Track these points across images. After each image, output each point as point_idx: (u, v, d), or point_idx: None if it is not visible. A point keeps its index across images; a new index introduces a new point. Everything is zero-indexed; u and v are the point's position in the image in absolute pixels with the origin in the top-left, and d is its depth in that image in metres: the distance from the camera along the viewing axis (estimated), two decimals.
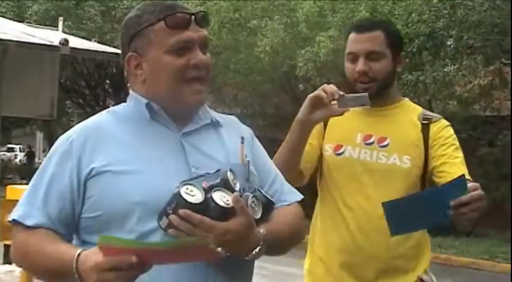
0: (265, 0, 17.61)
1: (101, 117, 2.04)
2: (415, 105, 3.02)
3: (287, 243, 2.05)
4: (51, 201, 1.91)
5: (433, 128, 2.89)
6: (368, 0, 15.67)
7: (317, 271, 2.96)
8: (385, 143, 2.87)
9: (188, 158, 1.96)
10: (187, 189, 1.79)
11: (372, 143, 2.88)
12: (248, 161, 2.03)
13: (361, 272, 2.86)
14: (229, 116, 2.22)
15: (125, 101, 2.10)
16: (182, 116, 2.02)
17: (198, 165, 1.95)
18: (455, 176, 2.50)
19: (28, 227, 1.91)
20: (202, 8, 17.80)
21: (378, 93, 2.84)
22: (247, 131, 2.18)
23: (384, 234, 2.51)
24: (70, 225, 1.94)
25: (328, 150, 2.92)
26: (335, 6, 16.24)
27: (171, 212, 1.79)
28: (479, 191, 2.41)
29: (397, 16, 15.22)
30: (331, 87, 2.69)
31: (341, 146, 2.91)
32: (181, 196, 1.78)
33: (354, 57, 2.88)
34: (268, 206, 1.92)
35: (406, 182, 2.84)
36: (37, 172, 1.99)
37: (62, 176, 1.92)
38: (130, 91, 2.07)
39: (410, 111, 2.96)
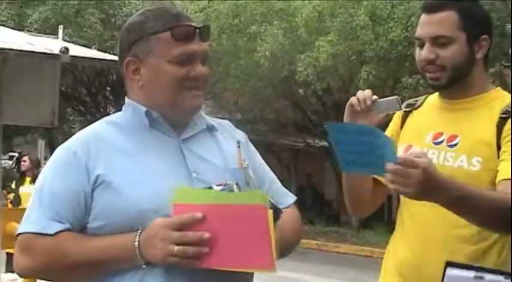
0: (265, 5, 17.63)
1: (99, 127, 2.05)
2: (507, 95, 2.52)
3: (291, 246, 2.11)
4: (65, 211, 1.92)
5: (508, 124, 2.41)
6: (367, 4, 15.68)
7: None
8: (454, 142, 2.46)
9: (188, 164, 1.99)
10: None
11: (441, 142, 2.48)
12: (247, 165, 2.07)
13: None
14: (223, 120, 2.25)
15: None
16: (179, 122, 2.05)
17: (198, 171, 1.98)
18: (501, 176, 2.28)
19: (50, 235, 1.90)
20: (201, 14, 17.84)
21: (451, 84, 2.46)
22: (241, 135, 2.20)
23: (446, 249, 2.33)
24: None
25: (400, 152, 2.53)
26: (334, 11, 16.25)
27: None
28: (419, 159, 2.05)
29: (396, 19, 15.25)
30: (363, 93, 2.49)
31: (410, 147, 2.54)
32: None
33: (421, 43, 2.49)
34: (276, 213, 1.94)
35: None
36: (41, 184, 1.98)
37: (71, 186, 1.93)
38: (127, 99, 2.08)
39: (495, 104, 2.47)
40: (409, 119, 2.60)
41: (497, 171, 2.35)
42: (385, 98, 2.49)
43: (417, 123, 2.58)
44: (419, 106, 2.62)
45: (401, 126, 2.63)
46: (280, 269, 1.87)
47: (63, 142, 2.07)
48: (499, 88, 2.56)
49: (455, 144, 2.45)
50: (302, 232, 2.18)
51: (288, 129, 21.38)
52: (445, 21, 2.45)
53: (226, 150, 2.09)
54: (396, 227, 2.62)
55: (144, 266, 1.86)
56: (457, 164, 2.43)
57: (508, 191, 2.26)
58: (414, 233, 2.50)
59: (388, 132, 2.60)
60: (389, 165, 2.03)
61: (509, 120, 2.39)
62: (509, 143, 2.37)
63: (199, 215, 1.81)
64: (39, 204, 1.94)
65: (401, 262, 2.53)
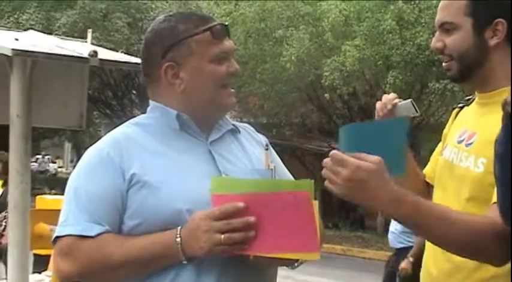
0: (291, 9, 17.64)
1: (127, 129, 2.06)
2: None
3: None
4: (103, 212, 1.93)
5: None
6: (394, 8, 15.63)
7: None
8: (471, 141, 2.22)
9: (219, 165, 2.02)
10: None
11: (463, 140, 2.26)
12: (274, 166, 2.11)
13: None
14: (244, 124, 2.27)
15: None
16: (207, 124, 2.08)
17: (228, 172, 2.01)
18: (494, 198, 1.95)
19: (92, 237, 1.91)
20: (228, 18, 17.88)
21: (465, 76, 2.24)
22: (264, 139, 2.23)
23: (450, 260, 2.15)
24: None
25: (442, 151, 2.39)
26: (361, 15, 16.22)
27: None
28: (351, 159, 1.82)
29: (423, 24, 15.16)
30: (386, 97, 2.40)
31: (446, 146, 2.37)
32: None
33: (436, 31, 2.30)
34: None
35: (472, 192, 2.15)
36: (75, 186, 1.98)
37: (107, 187, 1.94)
38: (153, 102, 2.10)
39: None
40: (458, 116, 2.41)
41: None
42: (403, 102, 2.41)
43: (460, 120, 2.38)
44: (471, 102, 2.38)
45: (453, 123, 2.45)
46: (305, 274, 1.89)
47: (89, 145, 2.08)
48: None
49: (471, 144, 2.21)
50: (323, 234, 2.19)
51: (313, 134, 21.34)
52: (451, 5, 2.22)
53: (250, 152, 2.12)
54: None
55: (185, 262, 1.87)
56: (466, 164, 2.19)
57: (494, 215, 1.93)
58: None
59: (445, 129, 2.47)
60: (326, 160, 1.89)
61: None
62: None
63: (241, 204, 1.82)
64: (77, 206, 1.94)
65: (422, 270, 2.39)
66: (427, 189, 2.45)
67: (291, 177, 2.22)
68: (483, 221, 1.95)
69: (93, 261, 1.90)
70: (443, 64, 2.27)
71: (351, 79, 16.67)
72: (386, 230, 18.17)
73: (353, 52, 15.43)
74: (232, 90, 2.09)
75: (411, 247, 7.71)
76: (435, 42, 2.25)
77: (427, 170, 2.52)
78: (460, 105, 2.44)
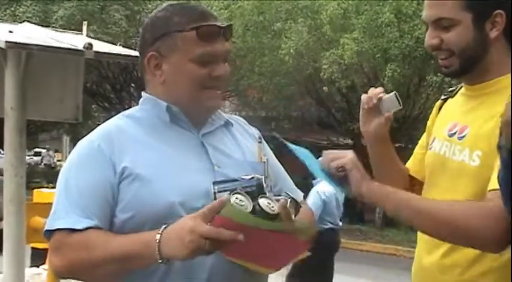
0: (290, 2, 17.61)
1: (119, 121, 2.04)
2: None
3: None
4: (93, 206, 1.90)
5: None
6: (392, 1, 15.60)
7: None
8: (463, 134, 2.18)
9: (211, 158, 2.00)
10: (236, 198, 1.82)
11: (454, 133, 2.22)
12: (267, 160, 2.08)
13: None
14: (237, 116, 2.25)
15: None
16: (199, 118, 2.05)
17: (220, 164, 1.99)
18: (491, 185, 1.97)
19: (79, 230, 1.87)
20: (226, 11, 17.86)
21: (466, 70, 2.19)
22: (257, 132, 2.21)
23: (442, 253, 2.15)
24: (108, 227, 1.93)
25: (429, 143, 2.37)
26: (359, 8, 16.20)
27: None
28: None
29: (421, 17, 15.13)
30: (372, 90, 2.32)
31: (434, 139, 2.33)
32: (232, 206, 1.82)
33: (427, 26, 2.25)
34: (297, 207, 1.94)
35: (474, 187, 2.10)
36: (65, 178, 1.96)
37: (98, 180, 1.91)
38: (144, 93, 2.09)
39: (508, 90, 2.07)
40: (442, 108, 2.39)
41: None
42: (387, 95, 2.32)
43: (445, 112, 2.36)
44: (455, 94, 2.36)
45: (437, 116, 2.42)
46: None
47: None
48: None
49: (464, 136, 2.18)
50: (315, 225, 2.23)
51: (312, 127, 21.34)
52: (446, 1, 2.17)
53: (243, 145, 2.10)
54: None
55: (160, 262, 1.79)
56: (460, 158, 2.16)
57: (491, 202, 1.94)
58: (420, 236, 2.30)
59: (428, 122, 2.45)
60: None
61: None
62: None
63: (241, 237, 1.72)
64: (67, 199, 1.92)
65: (414, 266, 2.37)
66: (411, 184, 2.42)
67: (283, 170, 2.20)
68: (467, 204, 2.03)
69: (79, 256, 1.86)
70: (441, 61, 2.21)
71: (349, 72, 16.66)
72: (385, 223, 18.18)
73: (351, 45, 15.42)
74: (219, 92, 2.03)
75: None
76: (430, 39, 2.20)
77: (410, 164, 2.48)
78: (444, 97, 2.41)
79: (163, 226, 1.79)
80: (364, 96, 2.32)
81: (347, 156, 2.10)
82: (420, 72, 16.56)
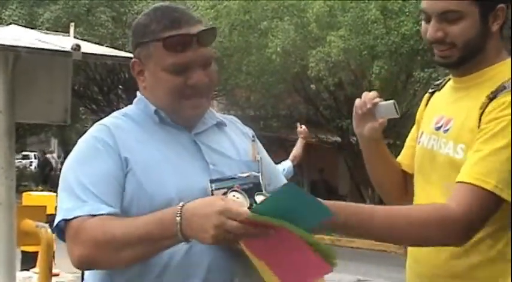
0: (275, 1, 17.62)
1: (115, 119, 2.04)
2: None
3: None
4: (106, 192, 1.87)
5: (490, 107, 2.07)
6: None
7: None
8: (448, 127, 2.19)
9: (205, 156, 2.00)
10: (233, 195, 1.82)
11: (440, 127, 2.22)
12: (261, 158, 2.08)
13: None
14: (231, 116, 2.25)
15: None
16: (187, 122, 2.04)
17: (214, 163, 1.99)
18: (459, 176, 2.02)
19: (97, 217, 1.82)
20: (212, 10, 17.84)
21: (462, 62, 2.18)
22: (250, 131, 2.21)
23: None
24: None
25: (418, 137, 2.36)
26: (345, 6, 16.23)
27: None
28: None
29: (407, 13, 15.19)
30: (366, 95, 2.30)
31: (422, 133, 2.32)
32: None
33: (427, 17, 2.18)
34: None
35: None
36: (72, 176, 1.92)
37: (109, 169, 1.90)
38: (139, 93, 2.09)
39: (496, 80, 2.13)
40: (430, 102, 2.38)
41: None
42: (384, 102, 2.29)
43: (432, 106, 2.35)
44: (442, 87, 2.36)
45: (425, 110, 2.41)
46: None
47: (76, 141, 2.04)
48: (508, 60, 2.20)
49: (448, 129, 2.18)
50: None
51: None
52: None
53: (237, 144, 2.10)
54: None
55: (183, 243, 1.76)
56: (445, 151, 2.16)
57: (458, 198, 1.97)
58: None
59: (417, 116, 2.44)
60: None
61: (492, 103, 2.07)
62: (479, 135, 2.05)
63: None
64: (81, 191, 1.88)
65: (408, 261, 2.36)
66: (405, 178, 2.43)
67: (276, 168, 2.21)
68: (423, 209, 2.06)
69: (98, 241, 1.81)
70: (439, 52, 2.19)
71: (336, 70, 16.69)
72: None
73: (338, 42, 15.45)
74: (200, 100, 1.99)
75: None
76: (435, 32, 2.15)
77: (401, 159, 2.48)
78: (431, 90, 2.41)
79: (181, 204, 1.74)
80: (357, 101, 2.31)
81: None
82: (407, 68, 16.62)
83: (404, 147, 2.49)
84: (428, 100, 2.40)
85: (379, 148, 2.40)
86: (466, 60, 2.17)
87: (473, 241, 2.04)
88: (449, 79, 2.33)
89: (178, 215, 1.73)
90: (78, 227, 1.84)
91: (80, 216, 1.84)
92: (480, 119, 2.07)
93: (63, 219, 1.87)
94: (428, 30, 2.17)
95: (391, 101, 2.29)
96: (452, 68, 2.25)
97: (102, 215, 1.83)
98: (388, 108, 2.28)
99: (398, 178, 2.43)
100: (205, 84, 1.98)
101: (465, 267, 2.12)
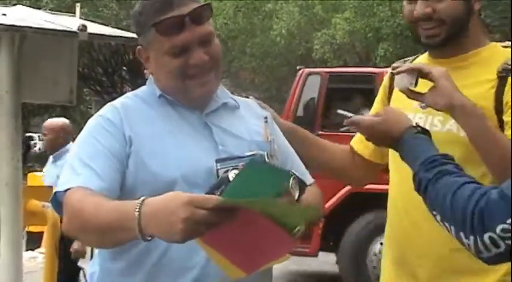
0: None
1: (126, 99, 2.05)
2: (505, 51, 2.22)
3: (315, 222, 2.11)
4: (105, 167, 1.88)
5: (509, 84, 2.09)
6: None
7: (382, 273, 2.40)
8: None
9: (215, 136, 1.99)
10: (235, 174, 1.79)
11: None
12: (273, 139, 2.06)
13: (411, 271, 2.24)
14: (248, 99, 2.24)
15: (144, 85, 2.13)
16: (197, 102, 2.03)
17: (224, 143, 1.98)
18: None
19: (87, 190, 1.82)
20: None
21: (448, 41, 2.20)
22: (267, 113, 2.19)
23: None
24: (118, 193, 1.89)
25: None
26: None
27: (218, 195, 1.76)
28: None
29: None
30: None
31: None
32: (230, 181, 1.78)
33: None
34: (302, 187, 1.93)
35: (467, 155, 2.07)
36: (77, 149, 1.94)
37: (110, 145, 1.91)
38: (150, 75, 2.09)
39: (491, 61, 2.17)
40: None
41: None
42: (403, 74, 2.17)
43: None
44: None
45: (390, 90, 2.39)
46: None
47: (80, 122, 2.06)
48: (494, 43, 2.27)
49: None
50: (322, 208, 2.19)
51: None
52: None
53: (249, 125, 2.08)
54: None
55: (148, 239, 1.68)
56: (446, 128, 2.17)
57: None
58: (403, 207, 2.28)
59: (379, 96, 2.44)
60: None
61: (510, 78, 2.10)
62: None
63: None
64: (79, 162, 1.89)
65: (391, 243, 2.34)
66: (352, 156, 2.47)
67: (292, 151, 2.17)
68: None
69: (71, 217, 1.82)
70: (427, 31, 2.21)
71: (341, 52, 16.68)
72: None
73: (343, 25, 15.42)
74: (206, 78, 1.98)
75: None
76: (424, 8, 2.18)
77: (354, 143, 2.47)
78: (394, 70, 2.29)
79: (142, 198, 1.67)
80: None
81: (438, 68, 2.05)
82: (412, 51, 16.54)
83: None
84: (391, 81, 2.36)
85: (298, 135, 2.42)
86: (452, 39, 2.20)
87: None
88: (414, 60, 2.37)
89: (137, 209, 1.64)
90: (66, 198, 1.85)
91: (71, 188, 1.85)
92: (500, 96, 2.10)
93: (57, 192, 1.88)
94: (416, 8, 2.19)
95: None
96: (436, 49, 2.26)
97: (90, 189, 1.82)
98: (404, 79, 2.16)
99: (346, 157, 2.48)
100: (208, 62, 1.97)
101: (466, 259, 2.00)
